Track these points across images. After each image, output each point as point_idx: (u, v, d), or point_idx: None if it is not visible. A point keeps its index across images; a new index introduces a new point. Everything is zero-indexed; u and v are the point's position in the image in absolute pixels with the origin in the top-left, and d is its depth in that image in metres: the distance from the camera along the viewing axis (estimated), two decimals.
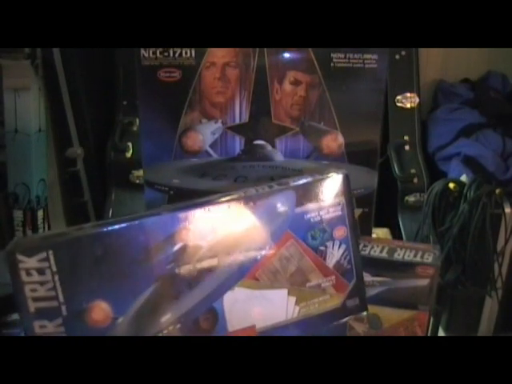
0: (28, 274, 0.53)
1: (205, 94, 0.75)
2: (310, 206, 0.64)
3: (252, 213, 0.61)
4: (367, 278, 0.72)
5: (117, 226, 0.56)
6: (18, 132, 1.26)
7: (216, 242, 0.60)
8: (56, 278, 0.54)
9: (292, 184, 0.64)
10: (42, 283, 0.54)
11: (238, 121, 0.76)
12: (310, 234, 0.64)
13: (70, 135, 1.40)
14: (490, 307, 1.12)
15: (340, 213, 0.65)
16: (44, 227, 1.34)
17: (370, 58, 0.74)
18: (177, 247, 0.58)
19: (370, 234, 0.83)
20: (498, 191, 0.99)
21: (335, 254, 0.66)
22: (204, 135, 0.76)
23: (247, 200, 0.61)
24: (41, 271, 0.53)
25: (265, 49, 0.73)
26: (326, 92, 0.75)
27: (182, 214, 0.58)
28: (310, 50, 0.74)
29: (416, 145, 1.45)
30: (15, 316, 0.81)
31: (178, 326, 0.59)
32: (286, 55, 0.74)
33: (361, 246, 0.75)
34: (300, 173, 0.77)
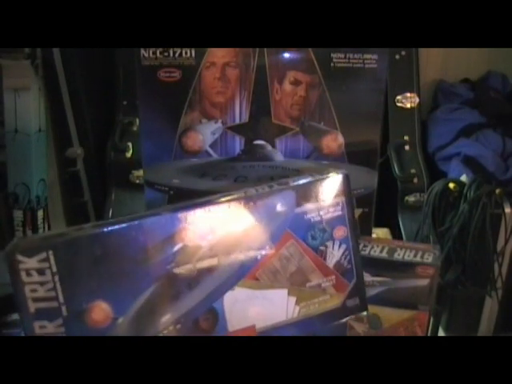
0: (28, 274, 0.53)
1: (205, 94, 0.75)
2: (310, 205, 0.64)
3: (252, 213, 0.61)
4: (367, 278, 0.72)
5: (117, 226, 0.56)
6: (18, 132, 1.26)
7: (216, 242, 0.60)
8: (56, 278, 0.54)
9: (292, 184, 0.64)
10: (42, 283, 0.54)
11: (237, 121, 0.76)
12: (310, 234, 0.64)
13: (70, 135, 1.39)
14: (490, 307, 1.12)
15: (340, 213, 0.65)
16: (44, 227, 1.34)
17: (370, 58, 0.74)
18: (177, 247, 0.58)
19: (370, 233, 0.83)
20: (498, 191, 0.99)
21: (335, 253, 0.66)
22: (204, 135, 0.76)
23: (247, 200, 0.61)
24: (41, 271, 0.53)
25: (265, 49, 0.73)
26: (326, 92, 0.75)
27: (182, 214, 0.58)
28: (309, 50, 0.74)
29: (416, 145, 1.45)
30: (15, 316, 0.81)
31: (178, 326, 0.59)
32: (286, 55, 0.74)
33: (361, 246, 0.75)
34: (300, 173, 0.77)
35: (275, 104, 0.76)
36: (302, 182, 0.64)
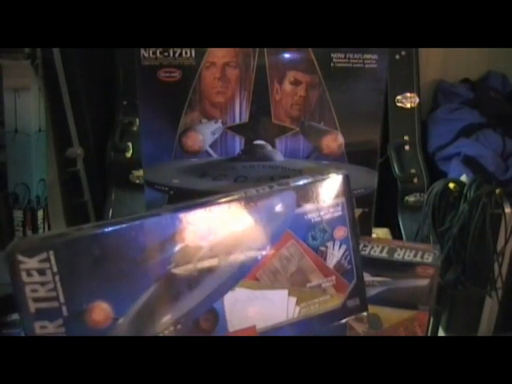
0: (28, 274, 0.53)
1: (205, 94, 0.75)
2: (311, 206, 0.64)
3: (252, 213, 0.61)
4: (367, 277, 0.72)
5: (117, 227, 0.56)
6: (18, 132, 1.26)
7: (216, 243, 0.60)
8: (57, 278, 0.54)
9: (292, 184, 0.64)
10: (42, 284, 0.54)
11: (238, 121, 0.76)
12: (311, 235, 0.64)
13: (70, 135, 1.39)
14: (490, 307, 1.12)
15: (340, 213, 0.65)
16: (44, 227, 1.34)
17: (370, 58, 0.74)
18: (177, 247, 0.58)
19: (370, 234, 0.83)
20: (498, 191, 0.99)
21: (336, 254, 0.66)
22: (204, 135, 0.76)
23: (248, 200, 0.61)
24: (41, 272, 0.53)
25: (265, 49, 0.73)
26: (326, 92, 0.75)
27: (182, 215, 0.58)
28: (309, 50, 0.74)
29: (416, 145, 1.45)
30: (15, 316, 0.81)
31: (179, 326, 0.59)
32: (286, 55, 0.74)
33: (361, 246, 0.75)
34: (300, 173, 0.77)
35: (275, 104, 0.76)
36: (302, 182, 0.64)
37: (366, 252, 0.75)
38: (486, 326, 1.14)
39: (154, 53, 0.72)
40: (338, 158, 0.77)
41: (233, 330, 0.62)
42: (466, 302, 1.12)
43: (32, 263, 0.53)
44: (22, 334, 0.55)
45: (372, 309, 0.72)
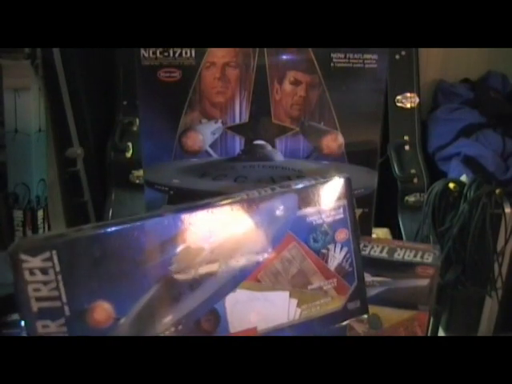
0: (31, 273, 0.53)
1: (205, 94, 0.75)
2: (312, 208, 0.64)
3: (254, 215, 0.61)
4: (367, 278, 0.72)
5: (119, 227, 0.56)
6: (18, 132, 1.26)
7: (218, 244, 0.60)
8: (59, 277, 0.54)
9: (294, 187, 0.64)
10: (45, 283, 0.54)
11: (238, 121, 0.76)
12: (312, 237, 0.64)
13: (70, 135, 1.39)
14: (490, 307, 1.12)
15: (342, 216, 0.65)
16: (44, 227, 1.34)
17: (370, 58, 0.74)
18: (179, 249, 0.58)
19: (370, 234, 0.83)
20: (498, 191, 1.00)
21: (337, 256, 0.66)
22: (204, 135, 0.76)
23: (249, 202, 0.61)
24: (44, 271, 0.53)
25: (265, 49, 0.73)
26: (326, 92, 0.75)
27: (183, 216, 0.58)
28: (309, 50, 0.74)
29: (416, 145, 1.45)
30: (15, 316, 0.81)
31: (180, 327, 0.59)
32: (286, 55, 0.74)
33: (361, 246, 0.74)
34: (300, 173, 0.77)
35: (275, 104, 0.76)
36: (304, 185, 0.64)
37: (366, 252, 0.75)
38: (486, 326, 1.14)
39: (154, 53, 0.72)
40: (338, 158, 0.77)
41: (234, 331, 0.62)
42: (466, 302, 1.12)
43: (35, 262, 0.53)
44: (23, 334, 0.55)
45: (372, 309, 0.72)
